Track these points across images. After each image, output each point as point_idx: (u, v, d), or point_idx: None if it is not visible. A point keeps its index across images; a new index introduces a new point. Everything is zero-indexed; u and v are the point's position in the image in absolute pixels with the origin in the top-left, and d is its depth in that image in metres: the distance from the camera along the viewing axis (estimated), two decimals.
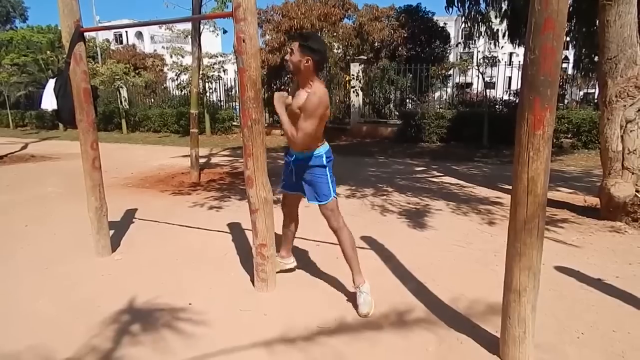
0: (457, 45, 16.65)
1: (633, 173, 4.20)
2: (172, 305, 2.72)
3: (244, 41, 2.49)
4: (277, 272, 2.99)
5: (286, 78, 14.11)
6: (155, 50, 31.86)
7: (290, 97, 2.61)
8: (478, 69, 11.67)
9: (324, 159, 2.64)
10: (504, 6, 9.91)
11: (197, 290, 2.92)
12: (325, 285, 2.97)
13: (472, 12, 10.00)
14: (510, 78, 15.88)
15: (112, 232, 3.76)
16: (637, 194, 4.17)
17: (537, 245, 1.93)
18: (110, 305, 2.72)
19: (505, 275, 2.06)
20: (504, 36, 10.59)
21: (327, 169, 2.65)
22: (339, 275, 3.04)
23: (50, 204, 5.36)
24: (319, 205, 2.67)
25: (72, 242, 3.87)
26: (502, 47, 11.66)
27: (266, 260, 2.81)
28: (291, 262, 3.17)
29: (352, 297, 2.71)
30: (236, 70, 2.69)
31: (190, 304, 2.74)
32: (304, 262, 3.36)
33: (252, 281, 2.96)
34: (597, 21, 4.42)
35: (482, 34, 10.98)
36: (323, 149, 2.64)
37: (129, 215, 4.73)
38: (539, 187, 1.86)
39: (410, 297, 2.79)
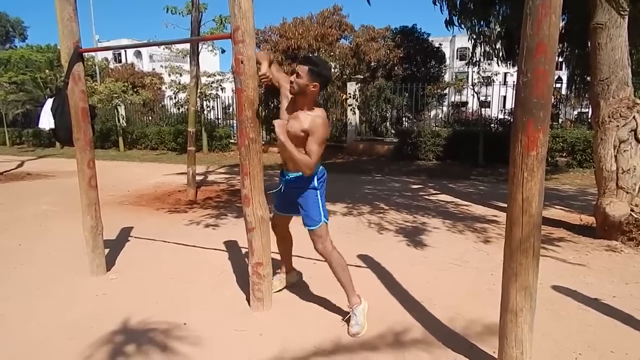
0: (457, 64, 16.82)
1: (627, 192, 4.23)
2: (167, 325, 2.69)
3: (242, 62, 2.53)
4: (282, 290, 3.06)
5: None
6: (153, 69, 32.13)
7: (286, 121, 2.53)
8: (473, 89, 11.82)
9: (315, 180, 2.60)
10: (498, 28, 10.08)
11: (192, 310, 2.90)
12: (322, 305, 2.95)
13: (474, 33, 10.14)
14: (505, 97, 16.07)
15: (107, 250, 3.73)
16: (632, 213, 4.20)
17: (533, 265, 1.94)
18: (104, 325, 2.69)
19: (502, 295, 2.05)
20: (499, 57, 10.74)
21: (319, 191, 2.61)
22: (335, 294, 3.01)
23: (45, 222, 5.33)
24: (308, 230, 2.62)
25: (67, 261, 3.84)
26: (499, 64, 11.82)
27: (262, 279, 2.79)
28: (294, 276, 3.20)
29: (348, 317, 2.69)
30: (233, 88, 2.72)
31: (185, 323, 2.71)
32: (300, 281, 3.33)
33: (248, 300, 2.94)
34: (589, 44, 4.51)
35: (483, 54, 11.13)
36: (315, 170, 2.58)
37: (125, 234, 4.70)
38: (534, 207, 1.88)
39: (407, 317, 2.77)
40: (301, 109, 2.50)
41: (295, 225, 3.03)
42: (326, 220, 2.61)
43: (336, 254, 2.63)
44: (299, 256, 3.62)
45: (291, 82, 2.46)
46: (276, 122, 2.45)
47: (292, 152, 2.39)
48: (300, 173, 2.54)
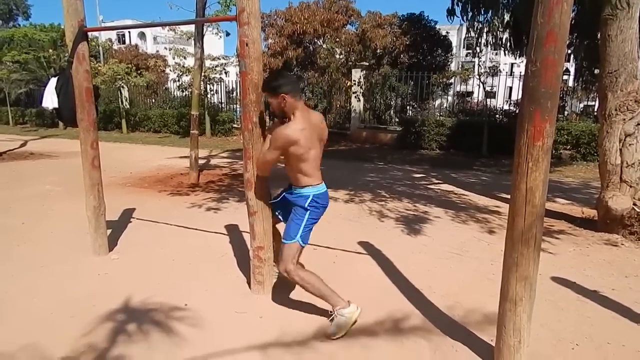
0: (464, 54, 16.68)
1: (631, 186, 4.22)
2: (168, 305, 2.72)
3: (247, 45, 2.51)
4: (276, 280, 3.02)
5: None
6: (157, 51, 31.88)
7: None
8: (479, 79, 11.72)
9: (307, 201, 2.48)
10: (506, 17, 9.95)
11: (193, 291, 2.92)
12: None
13: (475, 21, 10.04)
14: (511, 88, 15.95)
15: (109, 231, 3.75)
16: (634, 207, 4.19)
17: (534, 256, 1.94)
18: (106, 304, 2.72)
19: (501, 284, 2.06)
20: (505, 47, 10.62)
21: (307, 212, 2.49)
22: (335, 280, 3.02)
23: (48, 202, 5.35)
24: (282, 242, 2.55)
25: (69, 241, 3.86)
26: (506, 54, 11.70)
27: (263, 262, 2.81)
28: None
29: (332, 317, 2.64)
30: (238, 72, 2.70)
31: (186, 304, 2.74)
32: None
33: (249, 283, 2.96)
34: (599, 35, 4.45)
35: (486, 43, 11.02)
36: (311, 190, 2.49)
37: (127, 215, 4.72)
38: (537, 197, 1.87)
39: (406, 304, 2.79)
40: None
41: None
42: (301, 243, 2.49)
43: (299, 274, 2.49)
44: None
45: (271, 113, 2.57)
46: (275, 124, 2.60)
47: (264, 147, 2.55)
48: (299, 190, 2.51)
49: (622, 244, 4.06)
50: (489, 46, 10.79)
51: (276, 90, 2.39)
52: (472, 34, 10.33)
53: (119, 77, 15.12)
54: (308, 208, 2.48)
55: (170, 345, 2.31)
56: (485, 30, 10.21)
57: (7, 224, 4.39)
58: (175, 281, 3.10)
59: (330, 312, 2.46)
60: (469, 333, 2.44)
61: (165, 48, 17.41)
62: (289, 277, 2.48)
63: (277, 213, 2.81)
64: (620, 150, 4.23)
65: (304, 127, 2.37)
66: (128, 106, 16.14)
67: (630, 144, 4.20)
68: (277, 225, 2.93)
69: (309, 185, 2.48)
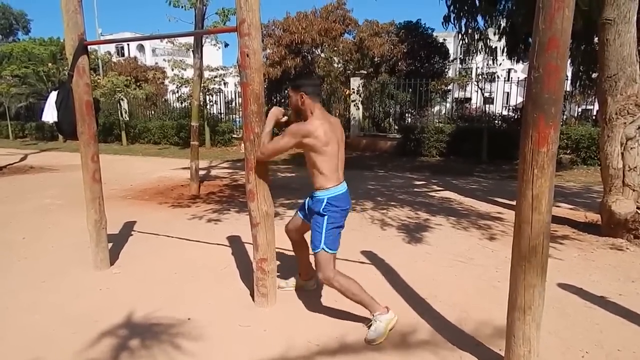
0: (453, 61, 16.75)
1: (634, 190, 4.20)
2: (171, 319, 2.69)
3: (247, 56, 2.51)
4: (290, 290, 3.08)
5: (286, 91, 14.21)
6: (156, 63, 32.04)
7: (285, 117, 2.68)
8: (477, 85, 11.75)
9: (322, 205, 2.46)
10: (502, 23, 10.03)
11: (196, 305, 2.89)
12: (327, 302, 2.93)
13: (469, 29, 10.12)
14: (508, 94, 15.98)
15: (110, 244, 3.73)
16: (638, 210, 4.17)
17: (542, 264, 1.91)
18: (108, 319, 2.68)
19: (509, 293, 2.03)
20: (502, 52, 10.69)
21: (325, 217, 2.46)
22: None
23: (49, 216, 5.33)
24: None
25: (70, 255, 3.83)
26: (500, 64, 11.76)
27: (267, 275, 2.78)
28: (312, 284, 3.11)
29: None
30: (237, 83, 2.71)
31: (189, 318, 2.70)
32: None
33: (252, 296, 2.92)
34: (597, 39, 4.46)
35: (480, 51, 11.10)
36: (325, 193, 2.47)
37: (128, 228, 4.70)
38: (544, 204, 1.85)
39: (412, 314, 2.76)
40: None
41: None
42: (328, 250, 2.46)
43: (339, 281, 2.48)
44: None
45: (286, 108, 2.67)
46: (273, 108, 2.65)
47: (264, 131, 2.58)
48: (315, 194, 2.52)
49: (627, 248, 4.03)
50: (484, 53, 10.87)
51: (298, 87, 2.50)
52: (465, 40, 10.41)
53: (119, 89, 15.16)
54: (324, 213, 2.46)
55: None
56: (476, 38, 10.29)
57: (7, 239, 4.36)
58: (178, 294, 3.06)
59: (367, 320, 2.50)
60: (477, 343, 2.41)
61: (164, 60, 17.41)
62: (329, 283, 2.50)
63: (303, 213, 2.79)
64: (622, 154, 4.22)
65: (322, 122, 2.42)
66: (127, 118, 16.16)
67: (631, 148, 4.19)
68: (295, 230, 2.92)
69: (323, 188, 2.48)
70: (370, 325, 2.46)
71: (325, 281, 2.50)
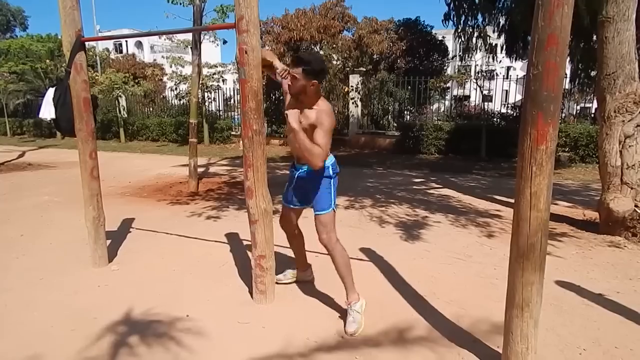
0: (453, 58, 16.75)
1: (632, 188, 4.21)
2: (169, 316, 2.69)
3: (246, 52, 2.50)
4: (289, 283, 3.11)
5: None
6: (154, 60, 31.92)
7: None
8: (476, 82, 11.76)
9: (330, 169, 2.62)
10: (502, 21, 10.03)
11: (195, 302, 2.89)
12: (325, 298, 2.94)
13: (468, 27, 10.13)
14: (507, 91, 15.99)
15: (108, 241, 3.72)
16: (636, 208, 4.18)
17: (540, 261, 1.92)
18: (107, 316, 2.68)
19: (507, 290, 2.04)
20: (501, 50, 10.70)
21: (332, 180, 2.64)
22: (339, 288, 2.99)
23: (47, 213, 5.32)
24: (315, 215, 2.62)
25: (69, 252, 3.83)
26: (500, 61, 11.77)
27: (265, 272, 2.78)
28: (308, 274, 3.18)
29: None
30: (235, 80, 2.70)
31: (187, 315, 2.70)
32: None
33: (251, 293, 2.93)
34: (596, 37, 4.46)
35: (479, 48, 11.11)
36: (328, 161, 2.61)
37: (126, 225, 4.69)
38: (542, 202, 1.86)
39: (410, 311, 2.76)
40: (309, 106, 2.51)
41: (302, 221, 3.02)
42: (334, 208, 2.64)
43: (340, 247, 2.61)
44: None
45: (289, 85, 2.50)
46: (289, 112, 2.42)
47: (305, 141, 2.33)
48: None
49: (625, 246, 4.04)
50: (483, 50, 10.88)
51: (311, 74, 2.40)
52: (464, 38, 10.43)
53: (117, 86, 15.11)
54: (332, 176, 2.62)
55: (171, 357, 2.27)
56: (475, 35, 10.31)
57: (6, 236, 4.35)
58: (177, 291, 3.06)
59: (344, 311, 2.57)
60: (475, 340, 2.41)
61: (163, 57, 17.42)
62: (330, 246, 2.56)
63: (294, 202, 2.81)
64: (620, 152, 4.23)
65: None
66: (126, 115, 16.12)
67: (630, 146, 4.20)
68: (290, 221, 2.95)
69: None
70: (348, 317, 2.52)
71: (328, 243, 2.56)
